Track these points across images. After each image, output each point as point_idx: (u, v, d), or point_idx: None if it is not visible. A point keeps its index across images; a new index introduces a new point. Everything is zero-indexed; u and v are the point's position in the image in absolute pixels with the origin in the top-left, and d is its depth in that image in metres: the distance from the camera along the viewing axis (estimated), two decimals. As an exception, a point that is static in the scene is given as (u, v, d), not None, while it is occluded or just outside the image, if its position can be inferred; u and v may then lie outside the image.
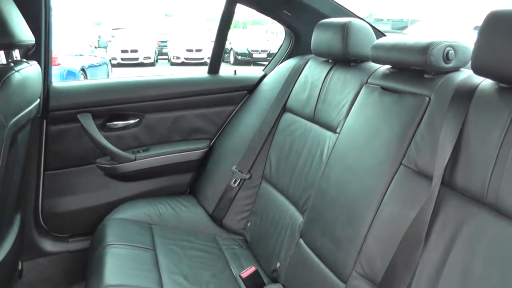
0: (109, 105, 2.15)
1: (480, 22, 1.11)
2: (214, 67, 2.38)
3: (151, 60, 15.79)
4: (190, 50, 16.45)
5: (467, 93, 1.15)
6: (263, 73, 2.44)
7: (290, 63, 2.18)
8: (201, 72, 2.43)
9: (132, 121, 2.22)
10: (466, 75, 1.26)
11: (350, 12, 2.14)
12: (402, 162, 1.28)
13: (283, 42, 2.51)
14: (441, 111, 1.20)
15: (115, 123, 2.20)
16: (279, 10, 2.26)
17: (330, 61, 1.89)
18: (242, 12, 2.28)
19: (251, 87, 2.37)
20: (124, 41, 15.78)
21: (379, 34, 1.98)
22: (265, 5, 2.30)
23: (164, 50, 17.68)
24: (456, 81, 1.24)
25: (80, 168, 2.17)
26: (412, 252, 1.11)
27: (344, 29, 1.69)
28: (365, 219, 1.31)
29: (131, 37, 16.13)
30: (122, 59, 15.19)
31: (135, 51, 15.44)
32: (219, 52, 2.38)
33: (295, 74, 2.06)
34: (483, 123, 1.07)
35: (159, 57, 17.13)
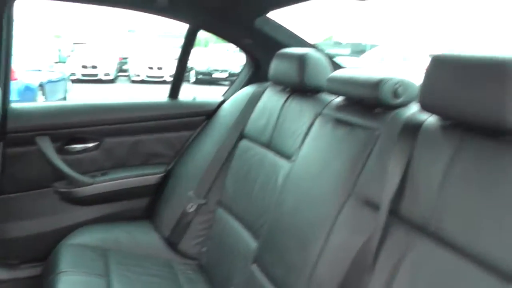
0: (68, 128, 2.13)
1: (436, 50, 1.18)
2: (174, 92, 2.40)
3: (111, 77, 15.52)
4: (151, 68, 16.33)
5: (414, 128, 1.21)
6: (222, 98, 2.47)
7: (249, 89, 2.21)
8: (161, 97, 2.45)
9: (91, 145, 2.21)
10: (414, 110, 1.32)
11: (308, 43, 2.21)
12: (352, 192, 1.34)
13: (243, 69, 2.56)
14: (390, 145, 1.25)
15: (73, 146, 2.18)
16: (241, 37, 2.32)
17: (287, 90, 1.94)
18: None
19: (210, 113, 2.39)
20: (84, 56, 15.51)
21: (336, 65, 2.05)
22: (227, 32, 2.35)
23: (125, 67, 17.46)
24: (405, 116, 1.30)
25: (36, 192, 2.14)
26: (359, 278, 1.17)
27: (301, 60, 1.75)
28: (316, 246, 1.35)
29: (92, 52, 15.87)
30: (82, 74, 14.92)
31: (94, 67, 15.19)
32: (180, 77, 2.40)
33: (253, 101, 2.09)
34: (429, 157, 1.13)
35: (119, 74, 16.84)
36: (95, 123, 2.18)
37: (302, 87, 1.79)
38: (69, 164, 2.12)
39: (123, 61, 17.49)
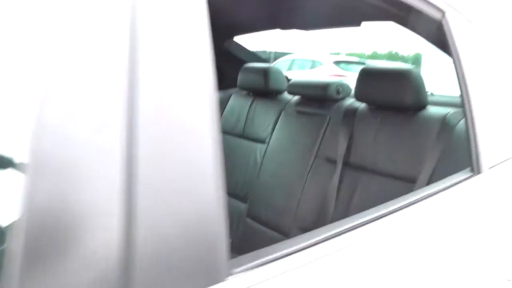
0: None
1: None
2: None
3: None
4: None
5: (352, 112, 1.95)
6: None
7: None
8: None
9: None
10: (350, 101, 2.06)
11: (261, 58, 2.91)
12: (316, 155, 2.03)
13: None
14: (337, 124, 1.98)
15: None
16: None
17: (251, 94, 2.59)
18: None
19: None
20: None
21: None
22: None
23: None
24: (345, 105, 2.04)
25: None
26: (327, 209, 1.85)
27: (266, 71, 2.43)
28: (297, 194, 2.02)
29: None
30: None
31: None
32: None
33: (222, 104, 2.69)
34: (364, 128, 1.86)
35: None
36: None
37: (266, 91, 2.47)
38: None
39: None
